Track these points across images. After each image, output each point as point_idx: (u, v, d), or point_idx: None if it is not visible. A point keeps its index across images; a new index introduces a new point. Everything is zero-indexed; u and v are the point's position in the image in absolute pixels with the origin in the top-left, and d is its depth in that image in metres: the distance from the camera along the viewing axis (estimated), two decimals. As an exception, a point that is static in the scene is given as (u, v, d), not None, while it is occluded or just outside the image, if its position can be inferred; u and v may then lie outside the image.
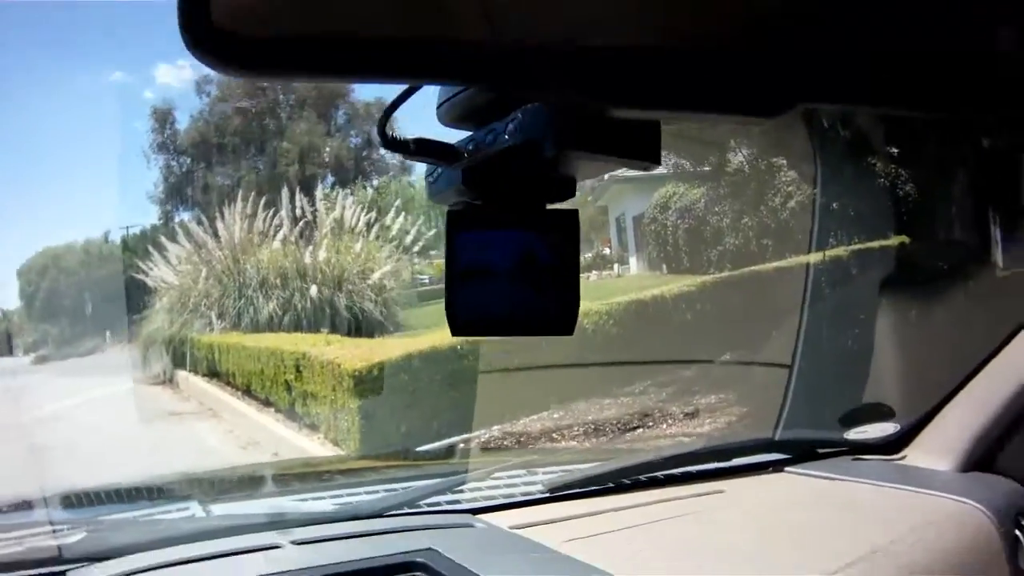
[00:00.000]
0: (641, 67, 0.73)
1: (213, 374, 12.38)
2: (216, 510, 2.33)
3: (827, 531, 2.17)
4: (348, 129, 22.56)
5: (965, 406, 2.47)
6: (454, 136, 0.91)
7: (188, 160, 20.06)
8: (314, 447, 9.05)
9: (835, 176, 7.15)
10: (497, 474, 2.40)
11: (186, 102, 22.70)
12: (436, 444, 7.79)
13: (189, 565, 1.82)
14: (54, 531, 1.94)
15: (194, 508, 2.28)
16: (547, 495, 2.30)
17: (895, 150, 8.50)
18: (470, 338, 9.51)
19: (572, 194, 0.92)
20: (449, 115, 0.88)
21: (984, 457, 2.40)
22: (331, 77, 0.79)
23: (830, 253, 8.18)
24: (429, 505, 2.20)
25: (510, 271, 0.86)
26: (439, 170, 0.92)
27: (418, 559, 1.83)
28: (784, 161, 12.10)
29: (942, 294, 6.70)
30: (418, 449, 7.16)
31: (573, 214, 0.89)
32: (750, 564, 1.96)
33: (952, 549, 2.09)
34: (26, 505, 2.17)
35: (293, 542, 1.93)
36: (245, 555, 1.87)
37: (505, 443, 8.54)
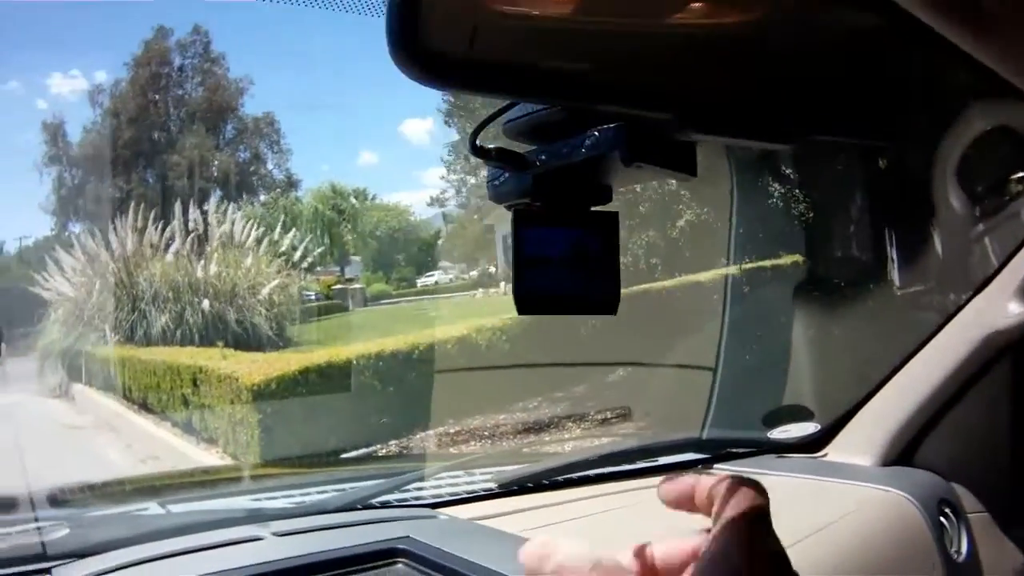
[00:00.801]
0: (710, 104, 0.98)
1: (110, 387, 12.16)
2: (195, 507, 2.34)
3: None
4: (237, 143, 22.42)
5: (882, 405, 2.58)
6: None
7: (80, 172, 19.72)
8: (213, 461, 8.96)
9: (747, 195, 7.37)
10: (442, 473, 2.46)
11: (79, 113, 22.34)
12: (360, 450, 7.80)
13: (175, 558, 1.83)
14: (38, 528, 1.93)
15: (174, 505, 2.28)
16: (498, 490, 2.37)
17: (800, 173, 8.81)
18: (365, 352, 9.73)
19: (611, 199, 1.10)
20: (515, 130, 1.05)
21: (903, 452, 2.51)
22: (505, 95, 0.95)
23: (746, 267, 8.44)
24: (387, 501, 2.25)
25: (566, 261, 1.04)
26: (505, 175, 1.08)
27: (399, 546, 1.90)
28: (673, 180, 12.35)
29: (848, 308, 6.97)
30: (346, 456, 7.19)
31: (614, 216, 1.07)
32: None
33: (881, 534, 2.19)
34: (9, 502, 2.17)
35: (275, 534, 1.96)
36: (229, 547, 1.89)
37: (420, 447, 8.59)
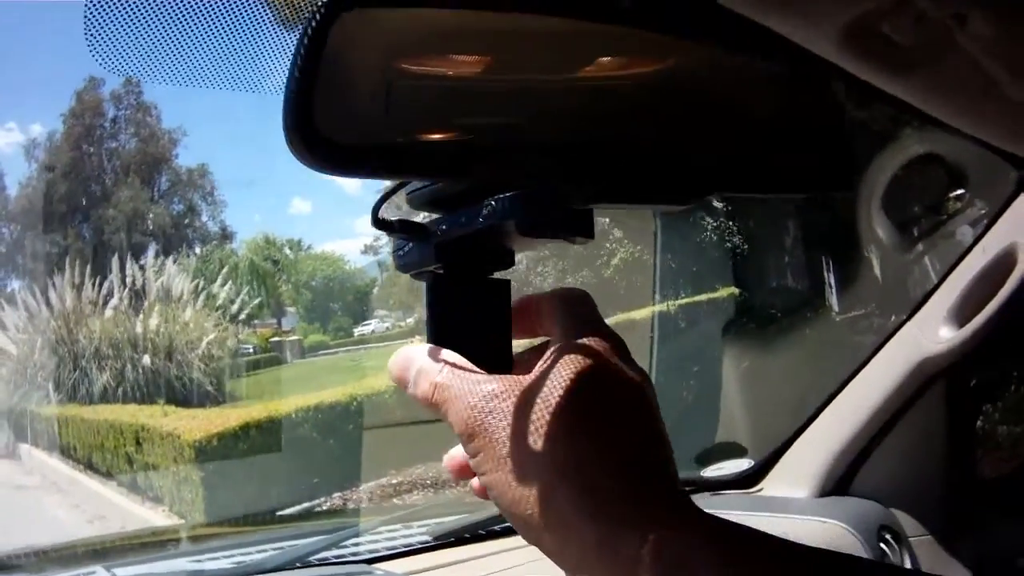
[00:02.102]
0: (599, 172, 0.98)
1: (55, 447, 12.01)
2: (139, 570, 2.32)
3: None
4: (171, 195, 22.31)
5: (815, 437, 2.57)
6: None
7: (18, 227, 19.47)
8: (159, 519, 8.90)
9: (672, 232, 7.44)
10: (380, 527, 2.45)
11: (15, 167, 22.09)
12: (302, 505, 7.79)
13: None
14: None
15: (119, 568, 2.26)
16: (434, 543, 2.37)
17: (728, 206, 8.92)
18: (303, 405, 9.72)
19: (512, 263, 1.09)
20: (419, 200, 1.06)
21: (840, 481, 2.51)
22: (396, 176, 0.97)
23: (670, 305, 8.52)
24: (325, 558, 2.26)
25: (463, 326, 1.15)
26: (409, 246, 1.08)
27: None
28: (607, 219, 12.34)
29: (782, 339, 7.04)
30: (280, 513, 7.17)
31: (507, 283, 1.19)
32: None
33: None
34: None
35: None
36: None
37: (360, 500, 8.58)
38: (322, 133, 0.80)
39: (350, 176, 0.90)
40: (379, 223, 1.02)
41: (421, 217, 1.08)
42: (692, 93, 1.05)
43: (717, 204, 8.73)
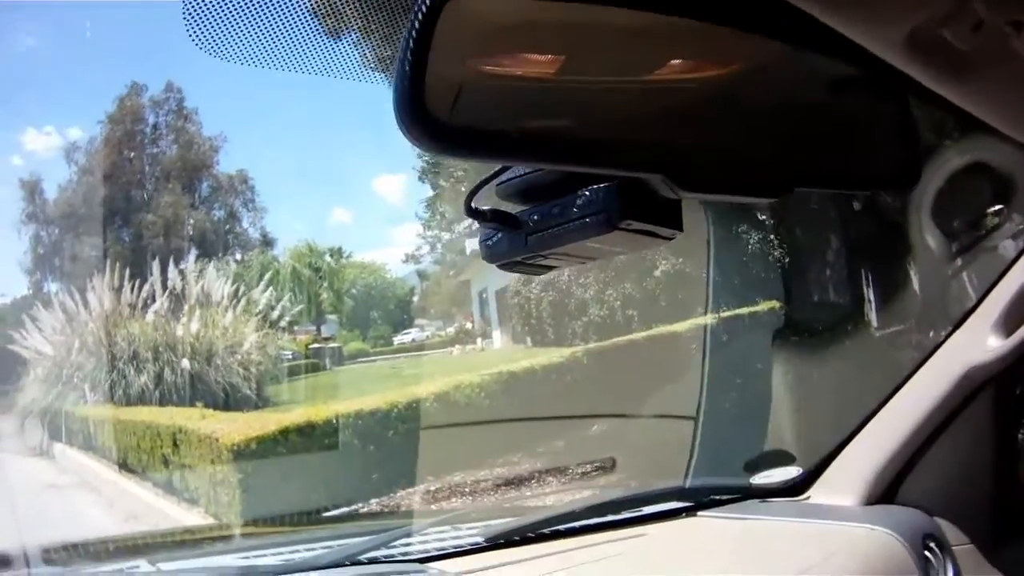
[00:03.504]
0: (699, 163, 1.04)
1: (90, 447, 12.11)
2: (185, 565, 2.42)
3: (743, 566, 2.31)
4: (212, 201, 22.40)
5: (863, 445, 2.61)
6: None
7: (57, 230, 19.64)
8: (195, 520, 8.93)
9: (721, 245, 7.44)
10: (429, 528, 2.47)
11: (54, 171, 22.20)
12: (344, 509, 7.79)
13: None
14: None
15: (164, 563, 2.32)
16: (486, 544, 2.39)
17: (788, 215, 8.90)
18: (343, 411, 9.72)
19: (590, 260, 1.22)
20: (507, 191, 1.12)
21: (886, 490, 2.54)
22: (501, 160, 1.02)
23: (723, 317, 8.51)
24: (375, 558, 2.29)
25: None
26: (498, 235, 1.15)
27: None
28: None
29: (829, 350, 7.02)
30: (330, 514, 7.17)
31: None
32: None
33: (867, 571, 2.23)
34: (4, 559, 2.18)
35: None
36: None
37: (402, 504, 8.58)
38: (432, 114, 0.86)
39: (458, 157, 0.98)
40: (472, 212, 1.13)
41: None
42: (767, 92, 1.12)
43: (763, 216, 8.75)
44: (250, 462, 8.88)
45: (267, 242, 22.85)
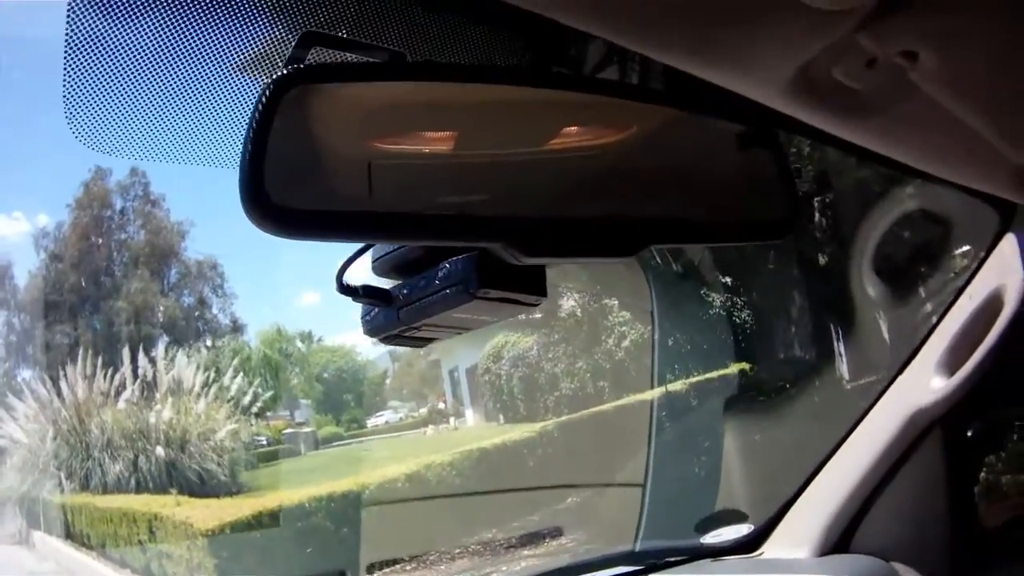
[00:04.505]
0: (544, 229, 1.08)
1: (68, 534, 12.02)
2: None
3: None
4: (181, 287, 22.29)
5: (814, 497, 2.60)
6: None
7: (28, 317, 19.43)
8: (173, 607, 8.94)
9: (672, 311, 7.53)
10: None
11: (23, 256, 22.06)
12: None
13: None
14: None
15: None
16: None
17: (728, 279, 9.02)
18: (316, 494, 9.75)
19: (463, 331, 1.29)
20: (382, 267, 1.19)
21: (840, 539, 2.51)
22: (340, 238, 1.05)
23: (673, 384, 8.64)
24: None
25: None
26: (375, 311, 1.22)
27: None
28: (615, 301, 12.45)
29: (786, 409, 7.08)
30: None
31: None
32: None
33: None
34: None
35: None
36: None
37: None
38: (273, 200, 0.89)
39: (298, 239, 0.99)
40: (344, 288, 1.18)
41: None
42: (632, 155, 1.15)
43: (712, 278, 8.86)
44: (225, 546, 8.93)
45: (237, 327, 22.71)
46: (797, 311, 9.33)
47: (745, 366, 8.86)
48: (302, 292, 33.55)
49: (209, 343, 21.56)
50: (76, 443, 13.31)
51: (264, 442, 17.68)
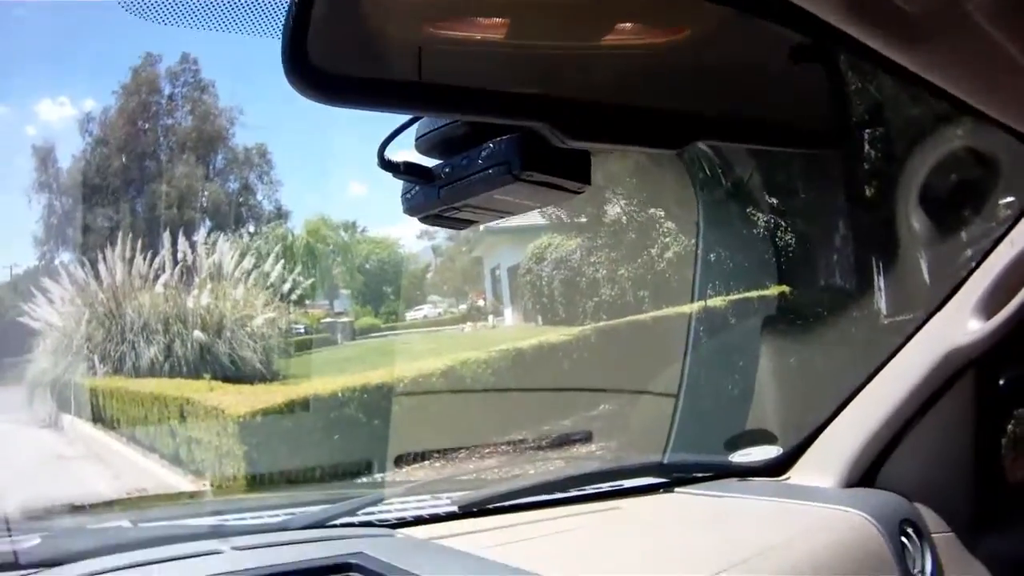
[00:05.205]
0: (591, 113, 1.07)
1: (98, 418, 12.15)
2: (163, 523, 2.43)
3: (714, 541, 2.29)
4: (227, 174, 22.27)
5: (843, 427, 2.61)
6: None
7: (70, 200, 19.51)
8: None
9: (717, 226, 7.51)
10: (407, 495, 2.50)
11: (68, 140, 22.11)
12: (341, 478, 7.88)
13: (135, 569, 1.92)
14: (11, 539, 1.99)
15: (144, 522, 2.36)
16: (458, 511, 2.42)
17: (775, 200, 8.94)
18: (350, 384, 9.75)
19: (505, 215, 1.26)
20: (426, 145, 1.15)
21: (866, 474, 2.54)
22: (381, 106, 1.01)
23: (712, 300, 8.62)
24: (349, 523, 2.32)
25: None
26: (416, 188, 1.18)
27: (352, 560, 1.98)
28: (662, 212, 12.37)
29: (821, 336, 7.05)
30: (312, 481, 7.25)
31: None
32: (641, 569, 2.11)
33: (839, 554, 2.22)
34: None
35: (233, 548, 2.05)
36: (189, 560, 1.99)
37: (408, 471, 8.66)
38: (314, 63, 0.88)
39: (340, 105, 0.96)
40: (385, 164, 1.16)
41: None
42: (688, 54, 1.13)
43: (760, 198, 8.78)
44: (256, 434, 8.99)
45: (281, 215, 22.71)
46: (840, 239, 9.31)
47: (785, 289, 8.91)
48: (349, 182, 33.44)
49: (252, 230, 21.62)
50: (111, 326, 13.40)
51: (302, 330, 17.78)
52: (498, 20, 1.01)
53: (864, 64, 1.27)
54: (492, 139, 1.09)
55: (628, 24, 1.10)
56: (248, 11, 1.22)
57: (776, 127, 1.25)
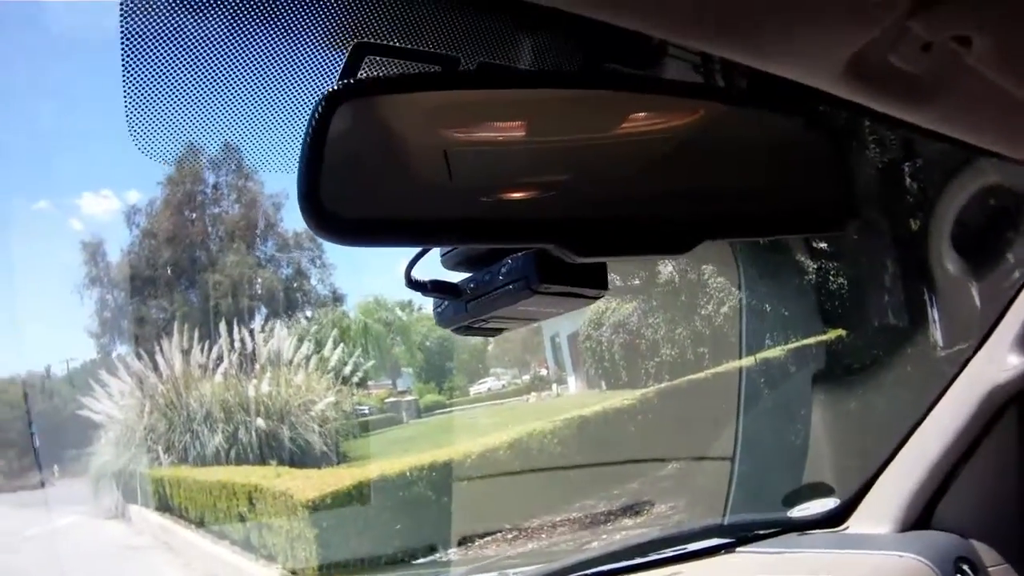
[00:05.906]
0: (596, 228, 1.11)
1: (165, 508, 12.25)
2: None
3: None
4: (278, 260, 22.40)
5: (896, 472, 2.62)
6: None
7: (121, 293, 19.74)
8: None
9: (762, 278, 7.61)
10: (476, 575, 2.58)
11: (114, 233, 22.38)
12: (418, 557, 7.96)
13: None
14: None
15: None
16: None
17: (819, 244, 9.07)
18: (417, 463, 9.71)
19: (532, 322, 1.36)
20: (451, 261, 1.22)
21: (921, 516, 2.54)
22: (395, 244, 1.05)
23: (763, 353, 8.75)
24: None
25: None
26: (445, 303, 1.26)
27: None
28: (711, 268, 12.59)
29: (875, 379, 7.04)
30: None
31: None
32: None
33: None
34: None
35: None
36: None
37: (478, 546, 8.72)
38: (328, 208, 0.94)
39: (352, 245, 1.01)
40: (413, 284, 1.23)
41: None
42: (685, 150, 1.17)
43: (801, 244, 8.94)
44: (325, 516, 8.99)
45: (336, 298, 22.88)
46: (881, 288, 9.41)
47: (834, 335, 9.01)
48: (400, 262, 33.75)
49: (308, 314, 21.72)
50: (173, 417, 13.52)
51: (366, 411, 17.90)
52: (495, 136, 1.09)
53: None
54: (511, 255, 1.17)
55: (625, 127, 1.15)
56: (260, 153, 1.31)
57: (781, 218, 1.27)
